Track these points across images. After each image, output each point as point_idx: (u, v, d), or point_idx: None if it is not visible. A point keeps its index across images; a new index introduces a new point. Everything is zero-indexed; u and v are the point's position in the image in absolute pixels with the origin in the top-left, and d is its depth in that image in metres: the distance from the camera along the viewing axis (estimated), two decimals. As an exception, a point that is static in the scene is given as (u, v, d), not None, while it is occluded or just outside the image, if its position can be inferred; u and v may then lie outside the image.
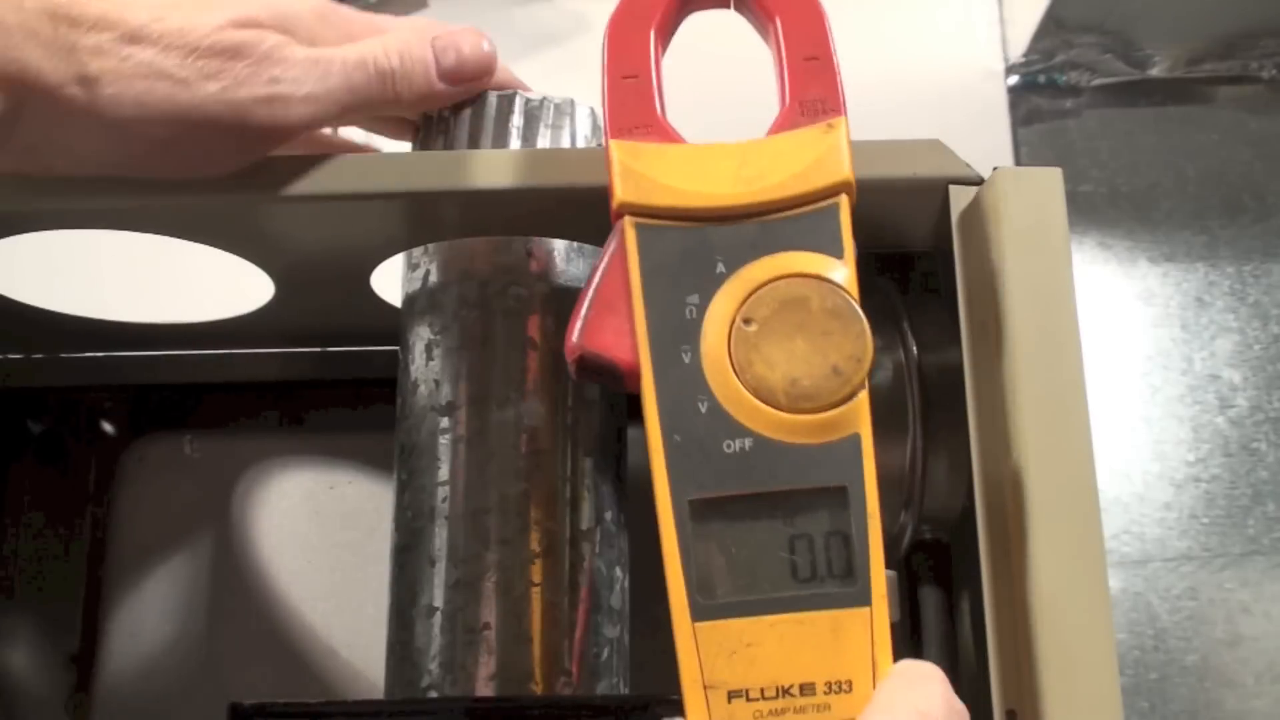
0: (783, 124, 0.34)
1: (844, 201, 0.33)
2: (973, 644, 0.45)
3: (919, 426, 0.41)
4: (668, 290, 0.33)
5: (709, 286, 0.33)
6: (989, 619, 0.34)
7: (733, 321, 0.32)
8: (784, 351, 0.32)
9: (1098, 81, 0.73)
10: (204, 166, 0.37)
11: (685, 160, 0.33)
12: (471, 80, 0.41)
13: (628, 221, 0.33)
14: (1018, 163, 0.70)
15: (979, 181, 0.37)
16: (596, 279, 0.33)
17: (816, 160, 0.33)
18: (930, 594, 0.49)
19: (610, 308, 0.33)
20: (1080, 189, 0.70)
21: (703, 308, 0.32)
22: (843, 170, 0.33)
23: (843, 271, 0.32)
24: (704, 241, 0.33)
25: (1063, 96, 0.73)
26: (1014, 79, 0.72)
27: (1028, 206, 0.36)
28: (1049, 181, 0.36)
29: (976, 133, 0.70)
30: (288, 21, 0.36)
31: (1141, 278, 0.69)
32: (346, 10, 0.40)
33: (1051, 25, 0.71)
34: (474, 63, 0.41)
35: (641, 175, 0.33)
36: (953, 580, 0.48)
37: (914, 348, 0.42)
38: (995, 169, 0.36)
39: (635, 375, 0.32)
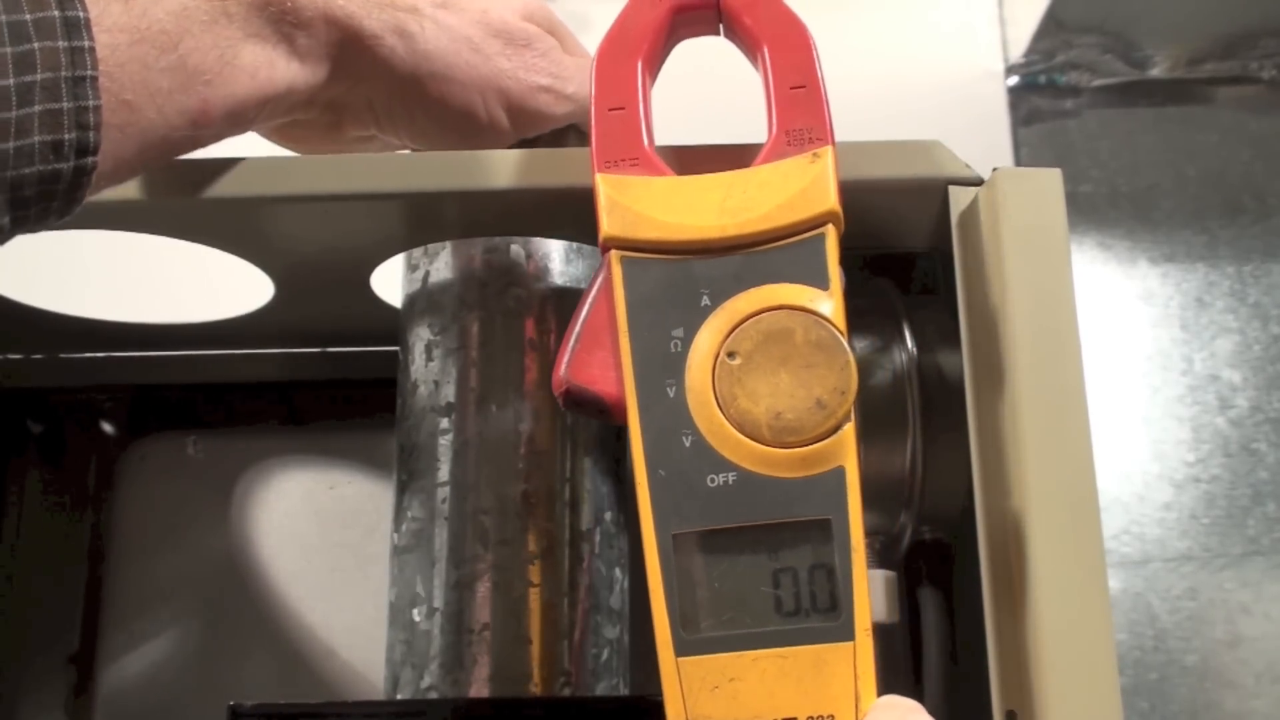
0: (769, 154, 0.33)
1: (830, 232, 0.32)
2: (972, 644, 0.45)
3: (918, 426, 0.41)
4: (653, 324, 0.32)
5: (694, 320, 0.32)
6: (989, 619, 0.34)
7: (717, 355, 0.32)
8: (768, 385, 0.31)
9: (1098, 82, 0.73)
10: (482, 140, 0.39)
11: (670, 192, 0.33)
12: None
13: (614, 255, 0.33)
14: (1018, 163, 0.70)
15: (979, 182, 0.37)
16: (584, 313, 0.33)
17: (801, 191, 0.32)
18: (930, 594, 0.48)
19: (597, 341, 0.33)
20: (1080, 189, 0.71)
21: (688, 341, 0.32)
22: (828, 200, 0.32)
23: (828, 303, 0.32)
24: (689, 275, 0.32)
25: (1063, 97, 0.73)
26: (1014, 79, 0.72)
27: (1027, 207, 0.36)
28: (1049, 182, 0.36)
29: (976, 133, 0.70)
30: (554, 26, 0.40)
31: (1141, 278, 0.69)
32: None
33: (1051, 25, 0.71)
34: None
35: (627, 209, 0.33)
36: (953, 580, 0.48)
37: (914, 348, 0.41)
38: (995, 169, 0.36)
39: (621, 409, 0.32)
